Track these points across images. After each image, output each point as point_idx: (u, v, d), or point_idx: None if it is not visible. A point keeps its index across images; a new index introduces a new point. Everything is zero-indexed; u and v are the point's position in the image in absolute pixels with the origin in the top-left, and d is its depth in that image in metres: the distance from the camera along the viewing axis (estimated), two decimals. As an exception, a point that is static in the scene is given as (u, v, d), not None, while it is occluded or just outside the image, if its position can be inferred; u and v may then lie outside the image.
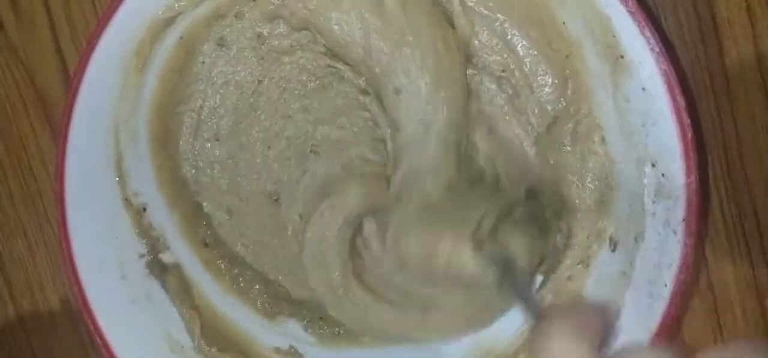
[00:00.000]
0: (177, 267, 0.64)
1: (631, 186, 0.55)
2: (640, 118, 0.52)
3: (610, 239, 0.57)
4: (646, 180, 0.53)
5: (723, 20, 0.58)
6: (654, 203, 0.52)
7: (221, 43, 0.62)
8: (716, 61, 0.59)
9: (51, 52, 0.70)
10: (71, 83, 0.54)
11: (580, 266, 0.59)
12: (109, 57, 0.55)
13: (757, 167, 0.59)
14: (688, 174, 0.49)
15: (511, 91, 0.59)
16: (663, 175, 0.51)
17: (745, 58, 0.59)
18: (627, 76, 0.52)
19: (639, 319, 0.53)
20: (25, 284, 0.74)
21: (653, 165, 0.52)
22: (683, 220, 0.50)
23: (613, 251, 0.57)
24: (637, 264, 0.54)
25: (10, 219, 0.73)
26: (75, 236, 0.56)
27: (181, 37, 0.61)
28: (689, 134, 0.49)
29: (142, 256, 0.61)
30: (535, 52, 0.58)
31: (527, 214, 0.57)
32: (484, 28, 0.58)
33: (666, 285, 0.50)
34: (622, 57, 0.52)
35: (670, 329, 0.51)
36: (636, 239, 0.54)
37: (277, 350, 0.65)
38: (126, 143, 0.60)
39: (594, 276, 0.58)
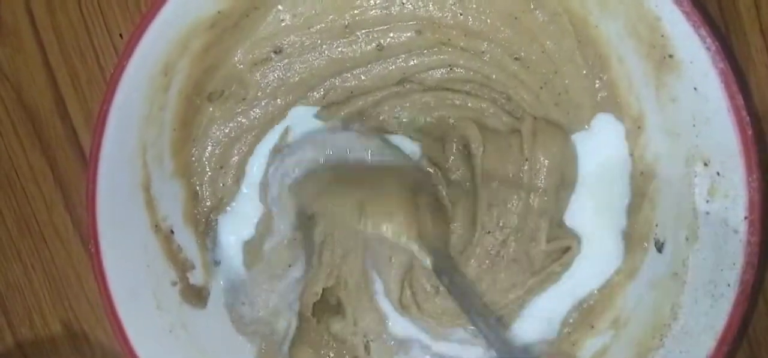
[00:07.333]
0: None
1: (677, 185, 0.54)
2: (690, 117, 0.52)
3: (656, 240, 0.57)
4: (696, 179, 0.52)
5: (730, 9, 0.59)
6: (708, 202, 0.52)
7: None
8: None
9: (38, 65, 0.67)
10: (100, 109, 0.52)
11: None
12: (137, 78, 0.52)
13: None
14: (749, 172, 0.49)
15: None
16: (718, 173, 0.51)
17: (755, 45, 0.59)
18: (674, 76, 0.51)
19: (700, 320, 0.52)
20: (23, 310, 0.71)
21: (706, 164, 0.52)
22: (745, 218, 0.49)
23: (660, 251, 0.56)
24: (690, 265, 0.54)
25: (3, 243, 0.70)
26: (109, 269, 0.54)
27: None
28: (749, 132, 0.48)
29: (174, 283, 0.59)
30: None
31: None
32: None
33: (729, 285, 0.50)
34: (670, 56, 0.51)
35: (736, 329, 0.50)
36: (687, 239, 0.54)
37: None
38: (153, 166, 0.57)
39: (643, 279, 0.57)
